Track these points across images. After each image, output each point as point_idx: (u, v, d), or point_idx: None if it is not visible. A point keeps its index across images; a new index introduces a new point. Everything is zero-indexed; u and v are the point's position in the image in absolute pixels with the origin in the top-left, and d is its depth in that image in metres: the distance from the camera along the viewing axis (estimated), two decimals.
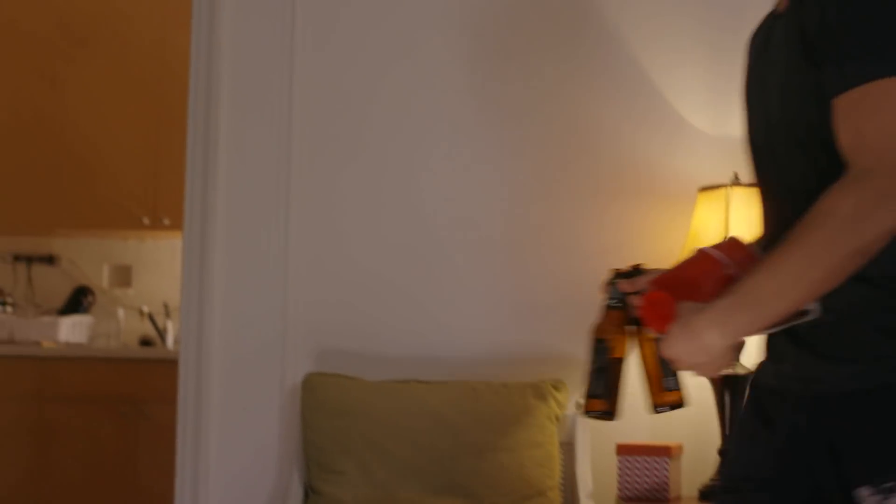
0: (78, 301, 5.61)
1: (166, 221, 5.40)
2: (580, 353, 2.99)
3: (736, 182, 2.84)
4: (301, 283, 3.13)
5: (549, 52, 3.17)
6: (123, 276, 5.78)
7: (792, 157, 1.71)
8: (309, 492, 2.87)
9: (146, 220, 5.42)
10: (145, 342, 5.58)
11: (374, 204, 3.17)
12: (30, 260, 5.77)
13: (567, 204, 3.14)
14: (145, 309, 5.63)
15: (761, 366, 1.79)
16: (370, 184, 3.17)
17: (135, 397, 5.04)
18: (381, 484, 2.78)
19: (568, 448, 2.97)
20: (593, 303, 2.97)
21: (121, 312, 5.77)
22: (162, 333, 5.57)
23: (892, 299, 1.63)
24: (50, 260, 5.79)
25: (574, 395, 3.00)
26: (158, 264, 5.80)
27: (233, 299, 3.15)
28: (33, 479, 4.98)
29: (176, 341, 5.56)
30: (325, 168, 3.18)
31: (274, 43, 3.19)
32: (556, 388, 2.91)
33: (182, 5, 5.51)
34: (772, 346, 1.76)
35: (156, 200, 5.43)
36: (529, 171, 3.15)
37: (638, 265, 1.93)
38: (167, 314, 5.61)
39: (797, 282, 1.58)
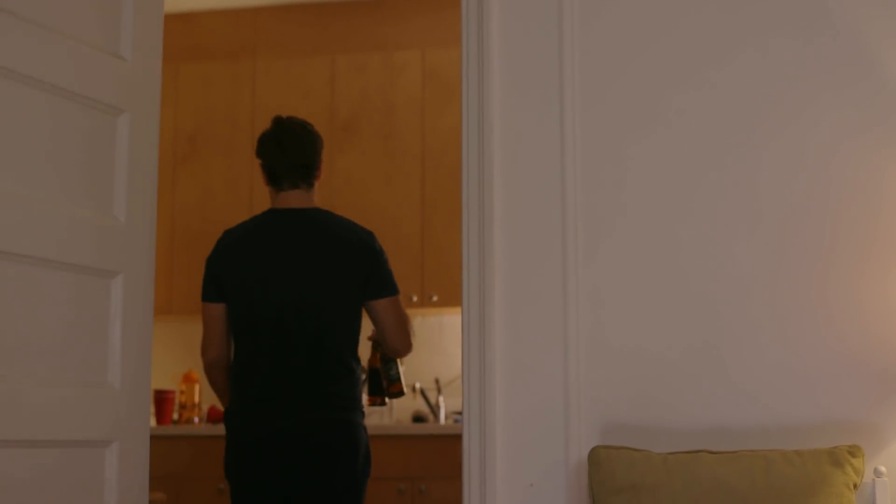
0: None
1: (434, 298, 5.50)
2: (876, 418, 2.93)
3: None
4: (583, 354, 3.11)
5: (826, 102, 3.08)
6: None
7: None
8: None
9: (415, 298, 5.53)
10: (418, 418, 5.66)
11: (659, 270, 3.12)
12: None
13: (851, 265, 3.03)
14: (417, 385, 5.72)
15: None
16: (655, 250, 3.13)
17: (411, 474, 5.11)
18: None
19: None
20: (886, 366, 2.92)
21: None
22: (434, 409, 5.65)
23: None
24: None
25: (872, 462, 2.88)
26: (428, 340, 5.90)
27: (514, 374, 3.16)
28: None
29: (448, 416, 5.63)
30: (606, 239, 3.16)
31: (544, 116, 3.21)
32: (852, 454, 2.79)
33: (441, 87, 5.70)
34: None
35: (423, 277, 5.54)
36: (811, 232, 3.06)
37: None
38: (439, 390, 5.69)
39: None
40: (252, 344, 3.81)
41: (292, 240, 3.81)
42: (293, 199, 3.88)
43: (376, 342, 4.09)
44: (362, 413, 3.89)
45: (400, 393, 4.14)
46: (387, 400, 4.18)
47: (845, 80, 3.08)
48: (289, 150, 3.89)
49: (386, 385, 4.12)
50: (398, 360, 4.11)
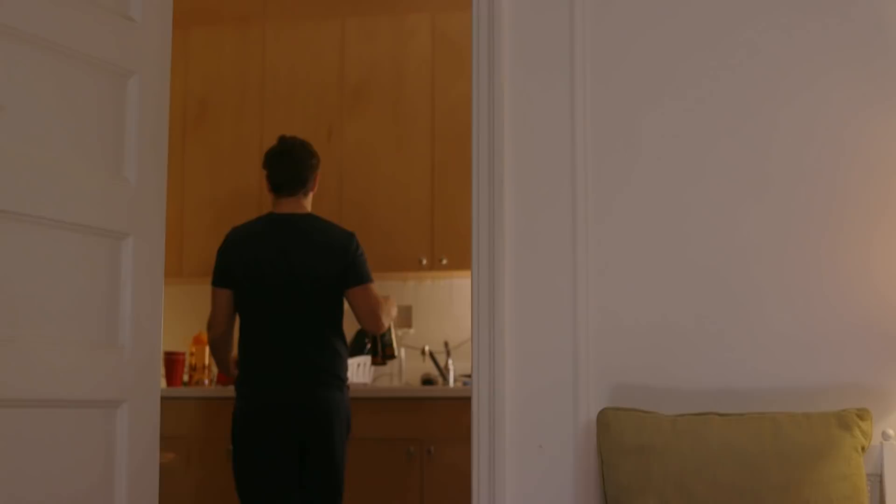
0: (361, 343, 5.77)
1: (444, 261, 5.52)
2: (884, 381, 2.94)
3: None
4: (593, 319, 3.12)
5: (839, 73, 3.07)
6: (404, 316, 5.92)
7: None
8: None
9: (424, 261, 5.54)
10: (427, 381, 5.69)
11: (669, 233, 3.13)
12: None
13: (860, 231, 3.03)
14: (427, 348, 5.74)
15: None
16: (664, 213, 3.13)
17: (420, 436, 5.13)
18: None
19: (875, 480, 2.85)
20: (892, 329, 2.93)
21: (402, 352, 5.90)
22: (443, 372, 5.67)
23: None
24: None
25: (880, 425, 2.89)
26: (437, 303, 5.92)
27: (523, 336, 3.17)
28: None
29: (457, 379, 5.65)
30: (616, 205, 3.16)
31: (555, 81, 3.21)
32: (860, 417, 2.80)
33: (452, 52, 5.68)
34: None
35: (433, 241, 5.55)
36: (820, 198, 3.05)
37: None
38: (448, 353, 5.71)
39: None
40: (252, 325, 4.60)
41: (285, 240, 4.57)
42: (289, 205, 4.65)
43: None
44: (344, 385, 4.59)
45: (392, 356, 4.95)
46: (386, 361, 4.99)
47: (859, 52, 3.06)
48: (288, 165, 4.66)
49: (381, 349, 4.92)
50: (391, 329, 4.90)
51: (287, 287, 4.52)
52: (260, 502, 4.52)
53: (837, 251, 3.04)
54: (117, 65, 3.20)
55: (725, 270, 3.09)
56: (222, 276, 4.64)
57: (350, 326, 5.83)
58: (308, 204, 4.72)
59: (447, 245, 5.52)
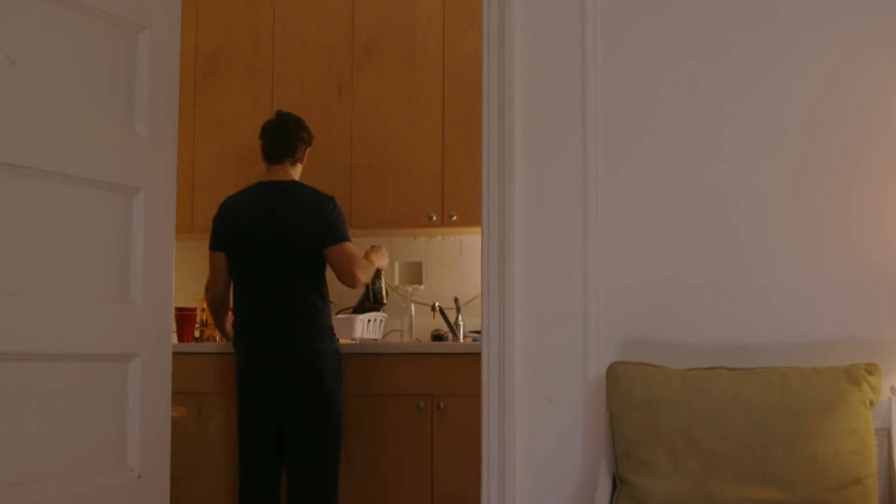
0: (369, 300, 5.77)
1: (454, 217, 5.51)
2: (893, 336, 2.95)
3: None
4: (603, 275, 3.13)
5: (847, 24, 3.06)
6: (414, 272, 5.93)
7: None
8: (617, 482, 2.86)
9: (434, 217, 5.54)
10: (437, 337, 5.70)
11: (680, 189, 3.13)
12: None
13: (871, 182, 3.02)
14: (437, 304, 5.75)
15: None
16: (675, 170, 3.13)
17: (430, 391, 5.15)
18: (693, 474, 2.75)
19: (883, 434, 2.87)
20: None
21: (413, 308, 5.91)
22: (453, 328, 5.68)
23: None
24: None
25: (888, 380, 2.90)
26: (447, 259, 5.92)
27: (533, 292, 3.18)
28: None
29: (466, 335, 5.67)
30: (626, 162, 3.16)
31: (567, 36, 3.20)
32: (869, 372, 2.81)
33: (463, 8, 5.66)
34: None
35: (443, 197, 5.55)
36: (832, 150, 3.05)
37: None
38: (458, 309, 5.72)
39: None
40: (241, 286, 4.92)
41: (269, 204, 4.86)
42: (276, 173, 4.96)
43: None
44: (326, 335, 4.83)
45: (382, 302, 5.47)
46: (378, 307, 5.50)
47: (876, 10, 3.05)
48: (278, 135, 4.97)
49: (372, 297, 5.42)
50: (381, 277, 5.38)
51: (270, 248, 4.81)
52: (252, 456, 4.82)
53: (849, 207, 3.03)
54: (128, 19, 3.20)
55: (736, 227, 3.09)
56: (216, 240, 4.97)
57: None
58: (295, 173, 5.01)
59: (457, 201, 5.51)
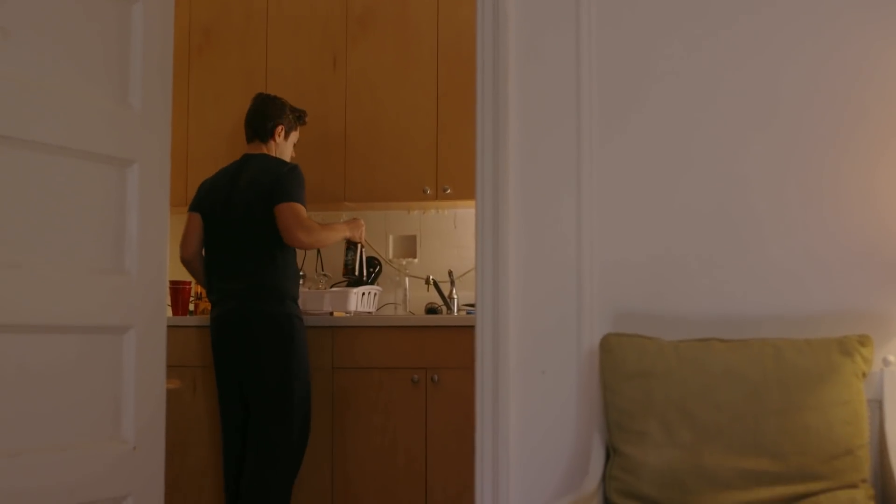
0: (367, 272, 5.78)
1: (448, 190, 5.52)
2: (885, 308, 2.96)
3: None
4: (596, 245, 3.14)
5: (848, 8, 3.05)
6: (408, 245, 5.94)
7: None
8: (611, 452, 2.88)
9: (428, 190, 5.55)
10: (431, 310, 5.71)
11: (673, 163, 3.13)
12: None
13: (864, 154, 3.03)
14: (431, 277, 5.77)
15: None
16: (668, 144, 3.13)
17: (424, 364, 5.16)
18: (685, 445, 2.76)
19: (875, 406, 2.88)
20: (895, 256, 2.95)
21: (407, 281, 5.92)
22: (447, 301, 5.69)
23: None
24: None
25: (880, 351, 2.91)
26: (441, 233, 5.93)
27: (527, 264, 3.18)
28: (328, 444, 5.18)
29: (461, 308, 5.68)
30: (620, 136, 3.16)
31: (562, 7, 3.19)
32: (861, 343, 2.82)
33: None
34: None
35: (437, 170, 5.55)
36: (825, 122, 3.05)
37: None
38: (452, 282, 5.73)
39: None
40: (208, 247, 5.12)
41: (236, 171, 5.10)
42: (251, 149, 5.19)
43: (348, 241, 5.49)
44: (278, 300, 4.87)
45: (351, 273, 5.51)
46: (350, 278, 5.58)
47: None
48: (250, 119, 5.20)
49: (344, 267, 5.51)
50: (355, 250, 5.47)
51: (228, 212, 5.00)
52: (222, 421, 5.01)
53: (840, 179, 3.04)
54: None
55: (728, 201, 3.09)
56: (193, 203, 5.20)
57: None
58: (269, 149, 5.18)
59: (451, 174, 5.52)
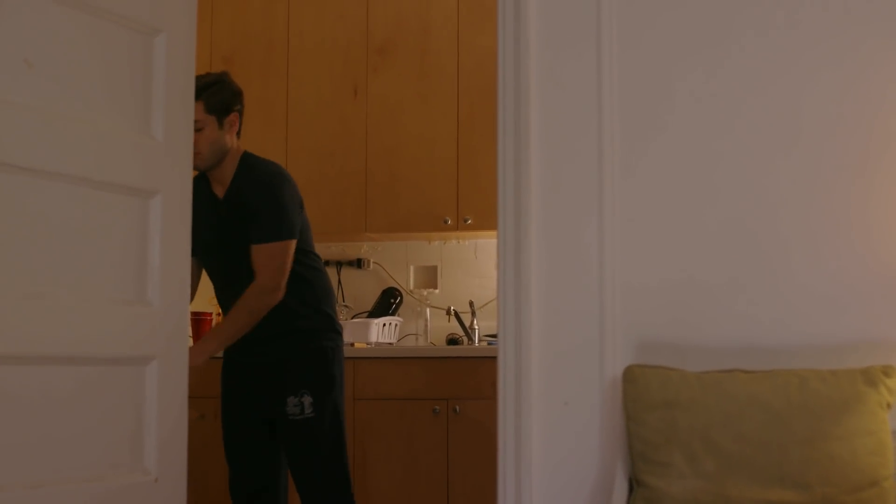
0: (387, 303, 5.79)
1: (469, 221, 5.52)
2: None
3: None
4: (619, 275, 3.12)
5: (866, 26, 3.05)
6: (429, 276, 5.94)
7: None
8: (634, 484, 2.86)
9: (449, 221, 5.55)
10: (452, 341, 5.70)
11: (696, 188, 3.12)
12: (340, 264, 6.00)
13: (890, 183, 3.01)
14: (452, 308, 5.76)
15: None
16: (691, 169, 3.12)
17: (446, 395, 5.15)
18: (709, 475, 2.74)
19: None
20: None
21: (428, 312, 5.92)
22: (468, 331, 5.68)
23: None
24: (359, 264, 6.00)
25: None
26: (462, 263, 5.93)
27: (549, 293, 3.17)
28: (352, 476, 5.16)
29: (482, 339, 5.67)
30: (642, 161, 3.15)
31: (582, 35, 3.19)
32: (886, 374, 2.80)
33: (477, 7, 5.66)
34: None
35: (458, 200, 5.55)
36: (849, 151, 3.04)
37: None
38: (473, 313, 5.72)
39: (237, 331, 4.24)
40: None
41: None
42: None
43: None
44: (298, 334, 4.34)
45: None
46: None
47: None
48: None
49: None
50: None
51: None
52: (237, 465, 4.48)
53: (866, 206, 3.02)
54: (144, 23, 3.21)
55: (752, 226, 3.08)
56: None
57: (376, 286, 5.87)
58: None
59: (472, 204, 5.52)
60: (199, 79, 3.86)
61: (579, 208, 3.16)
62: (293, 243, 4.28)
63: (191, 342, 5.49)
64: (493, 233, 3.27)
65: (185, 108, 3.34)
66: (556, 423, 3.14)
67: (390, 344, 5.60)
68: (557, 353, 3.15)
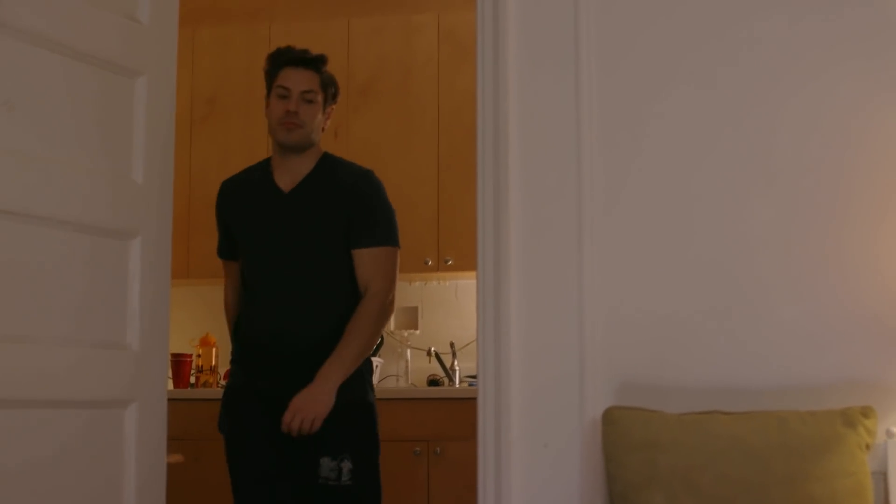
0: None
1: (450, 261, 5.52)
2: (889, 379, 2.94)
3: None
4: (598, 316, 3.13)
5: (844, 64, 3.07)
6: (410, 317, 5.93)
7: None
8: None
9: (430, 262, 5.55)
10: (433, 382, 5.69)
11: (675, 230, 3.13)
12: None
13: (865, 223, 3.03)
14: (432, 349, 5.75)
15: None
16: (671, 213, 3.14)
17: (426, 436, 5.14)
18: None
19: (879, 478, 2.86)
20: None
21: (408, 353, 5.91)
22: (449, 373, 5.68)
23: None
24: None
25: (884, 423, 2.89)
26: (443, 304, 5.93)
27: (529, 334, 3.17)
28: None
29: (462, 380, 5.66)
30: (622, 200, 3.16)
31: (560, 77, 3.21)
32: (865, 415, 2.81)
33: (457, 48, 5.70)
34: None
35: (439, 241, 5.56)
36: (826, 190, 3.06)
37: None
38: (454, 353, 5.71)
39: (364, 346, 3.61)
40: None
41: None
42: None
43: None
44: None
45: None
46: None
47: (863, 43, 3.07)
48: None
49: None
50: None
51: None
52: None
53: (844, 245, 3.04)
54: (125, 66, 3.21)
55: (731, 265, 3.09)
56: None
57: None
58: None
59: (452, 245, 5.53)
60: (304, 52, 3.79)
61: (559, 248, 3.17)
62: (399, 253, 3.88)
63: (170, 385, 5.48)
64: (474, 273, 3.28)
65: (165, 151, 3.35)
66: (536, 464, 3.14)
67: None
68: (537, 394, 3.15)
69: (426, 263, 5.56)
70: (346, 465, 3.56)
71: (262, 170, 3.87)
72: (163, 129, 3.34)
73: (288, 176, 3.79)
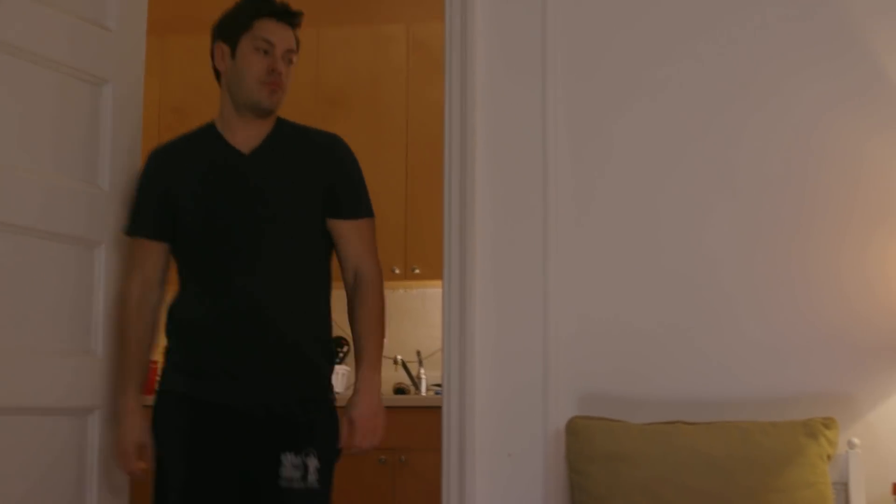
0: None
1: (417, 270, 5.52)
2: (850, 390, 2.97)
3: None
4: (563, 327, 3.14)
5: (807, 75, 3.10)
6: None
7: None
8: None
9: (397, 270, 5.55)
10: (399, 390, 5.69)
11: (640, 242, 3.15)
12: None
13: (828, 237, 3.06)
14: (399, 357, 5.74)
15: None
16: (636, 225, 3.16)
17: (392, 444, 5.13)
18: None
19: (840, 488, 2.88)
20: (861, 339, 2.96)
21: None
22: (416, 381, 5.67)
23: None
24: None
25: (845, 434, 2.92)
26: (410, 313, 5.92)
27: (494, 345, 3.18)
28: None
29: (429, 389, 5.66)
30: (587, 213, 3.19)
31: (527, 89, 3.23)
32: (826, 426, 2.83)
33: (427, 59, 5.70)
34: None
35: (406, 250, 5.56)
36: (788, 205, 3.09)
37: None
38: (420, 362, 5.71)
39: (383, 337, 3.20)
40: None
41: None
42: None
43: None
44: None
45: None
46: None
47: (826, 53, 3.11)
48: None
49: None
50: None
51: None
52: None
53: (806, 258, 3.07)
54: (91, 73, 3.20)
55: (696, 277, 3.11)
56: None
57: None
58: None
59: (420, 254, 5.53)
60: (287, 5, 3.30)
61: (525, 258, 3.19)
62: None
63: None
64: (441, 283, 3.28)
65: (132, 157, 3.34)
66: (499, 474, 3.15)
67: (338, 393, 5.56)
68: (501, 404, 3.16)
69: (394, 272, 5.56)
70: (313, 463, 3.07)
71: (207, 133, 3.36)
72: (129, 137, 3.33)
73: (243, 138, 3.29)
